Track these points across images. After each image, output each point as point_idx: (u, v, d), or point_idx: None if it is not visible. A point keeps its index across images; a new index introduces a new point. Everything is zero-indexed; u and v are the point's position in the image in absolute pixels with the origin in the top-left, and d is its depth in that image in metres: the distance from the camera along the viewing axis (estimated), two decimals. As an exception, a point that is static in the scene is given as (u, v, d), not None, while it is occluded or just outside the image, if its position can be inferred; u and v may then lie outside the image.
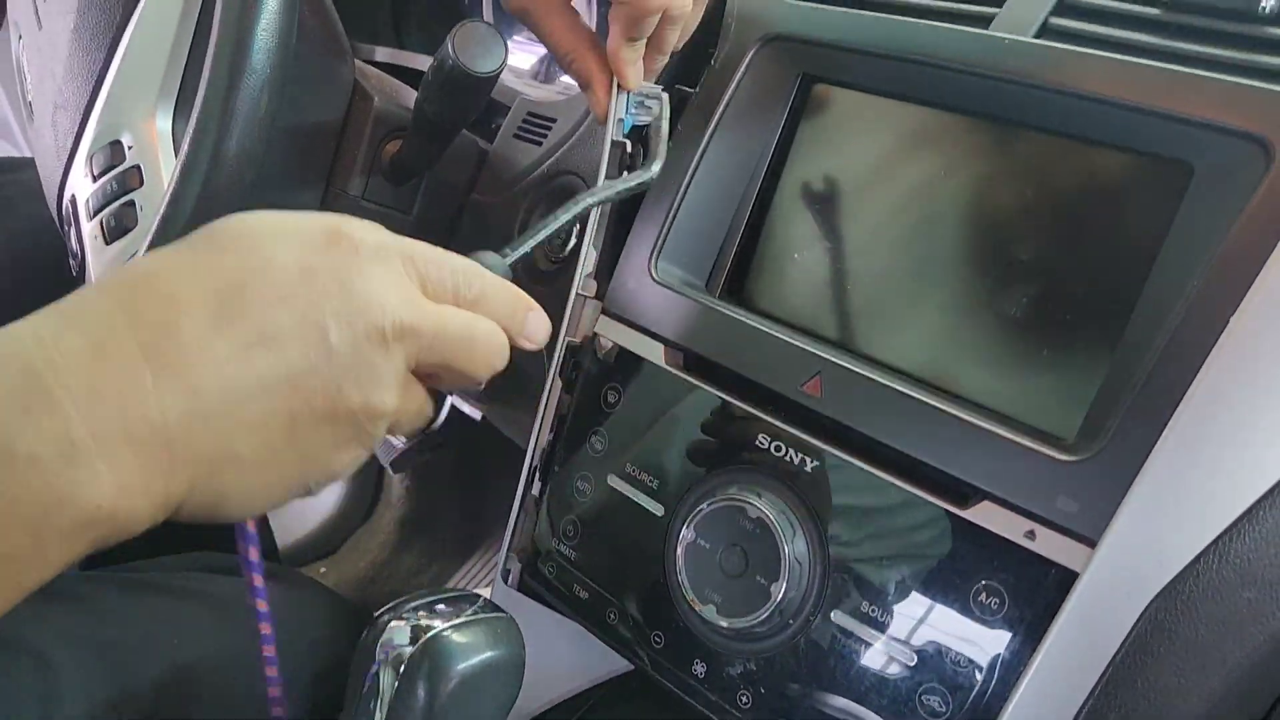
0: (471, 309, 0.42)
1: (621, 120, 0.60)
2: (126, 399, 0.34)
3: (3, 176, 0.96)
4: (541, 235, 0.48)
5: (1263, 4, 0.47)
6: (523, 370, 0.85)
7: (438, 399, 0.45)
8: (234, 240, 0.38)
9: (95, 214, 0.61)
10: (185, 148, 0.54)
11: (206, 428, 0.35)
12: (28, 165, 0.93)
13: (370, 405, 0.38)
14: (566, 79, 0.97)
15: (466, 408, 1.40)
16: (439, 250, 0.42)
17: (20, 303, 0.37)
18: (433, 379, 0.42)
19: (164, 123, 0.62)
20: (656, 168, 0.56)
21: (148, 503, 0.34)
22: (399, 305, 0.39)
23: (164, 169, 0.61)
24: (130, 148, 0.61)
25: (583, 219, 0.55)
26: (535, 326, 0.46)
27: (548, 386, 0.63)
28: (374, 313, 0.38)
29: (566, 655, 0.65)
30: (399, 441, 1.45)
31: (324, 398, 0.37)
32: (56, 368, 0.33)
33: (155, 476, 0.34)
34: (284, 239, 0.38)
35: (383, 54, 1.00)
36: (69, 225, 0.64)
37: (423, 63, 0.98)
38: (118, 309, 0.35)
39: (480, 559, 1.44)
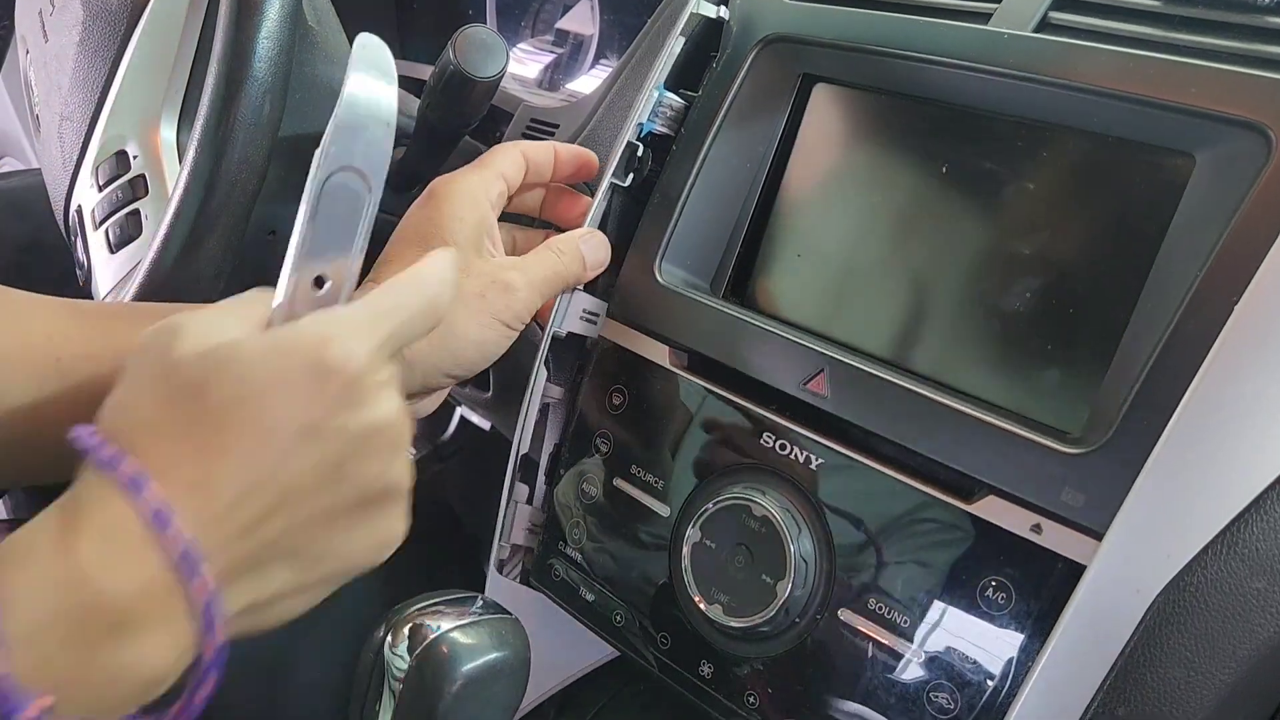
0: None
1: (640, 124, 0.62)
2: None
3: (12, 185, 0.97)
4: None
5: (1262, -7, 0.47)
6: (529, 378, 0.85)
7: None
8: (221, 394, 0.36)
9: (101, 224, 0.61)
10: (189, 156, 0.55)
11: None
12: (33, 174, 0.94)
13: (390, 492, 0.41)
14: (571, 86, 0.98)
15: (475, 418, 1.40)
16: (402, 316, 0.40)
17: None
18: None
19: (168, 133, 0.62)
20: None
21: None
22: (399, 419, 0.39)
23: (168, 178, 0.62)
24: (135, 158, 0.62)
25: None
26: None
27: (533, 376, 0.63)
28: (383, 444, 0.39)
29: (562, 644, 0.65)
30: (408, 454, 1.46)
31: (345, 517, 0.39)
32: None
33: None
34: (272, 392, 0.36)
35: (387, 66, 1.00)
36: (75, 236, 0.64)
37: (426, 72, 0.98)
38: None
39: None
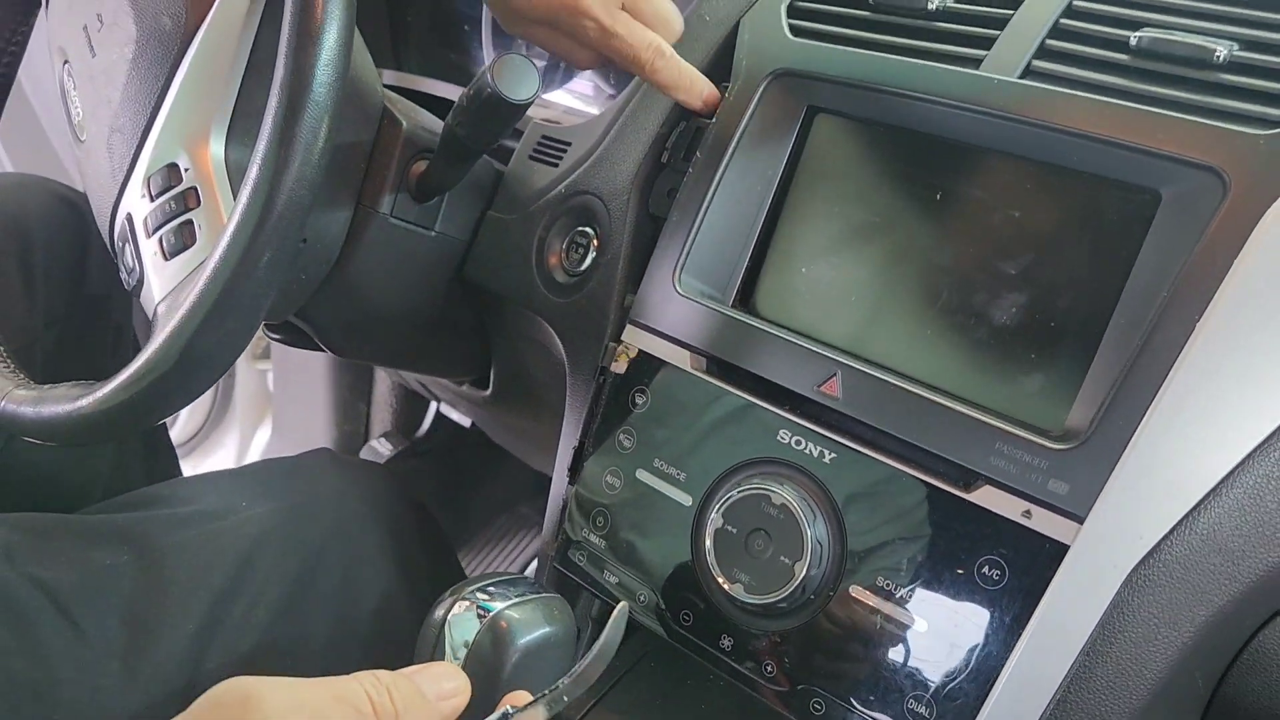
0: None
1: None
2: None
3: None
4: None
5: (1217, 54, 0.54)
6: (533, 378, 0.90)
7: None
8: None
9: (154, 232, 0.65)
10: (252, 175, 0.58)
11: None
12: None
13: None
14: (564, 94, 1.02)
15: (454, 415, 1.45)
16: None
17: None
18: None
19: (217, 148, 0.66)
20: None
21: None
22: None
23: (219, 191, 0.65)
24: (186, 170, 0.65)
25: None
26: None
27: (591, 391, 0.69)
28: None
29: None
30: (384, 449, 1.49)
31: None
32: None
33: None
34: None
35: (387, 78, 1.05)
36: (124, 242, 0.68)
37: (423, 85, 1.03)
38: None
39: (467, 564, 1.48)
